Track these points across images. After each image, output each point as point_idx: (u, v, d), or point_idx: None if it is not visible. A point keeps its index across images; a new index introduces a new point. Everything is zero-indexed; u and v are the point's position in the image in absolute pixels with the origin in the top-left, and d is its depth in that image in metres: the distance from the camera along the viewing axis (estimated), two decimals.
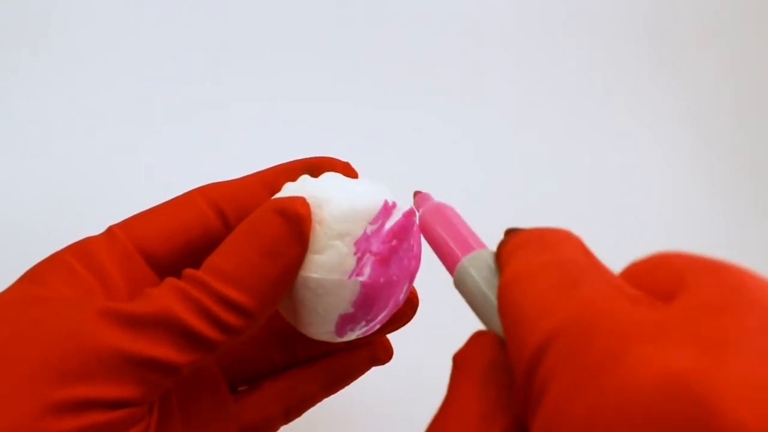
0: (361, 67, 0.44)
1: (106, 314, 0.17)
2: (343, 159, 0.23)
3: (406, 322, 0.24)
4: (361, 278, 0.20)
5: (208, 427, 0.21)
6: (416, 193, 0.23)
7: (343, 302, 0.20)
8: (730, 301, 0.11)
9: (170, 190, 0.22)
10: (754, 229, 0.45)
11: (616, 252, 0.46)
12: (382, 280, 0.20)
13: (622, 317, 0.11)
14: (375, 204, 0.20)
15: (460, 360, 0.16)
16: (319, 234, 0.20)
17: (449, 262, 0.18)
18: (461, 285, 0.17)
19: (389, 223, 0.21)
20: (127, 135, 0.39)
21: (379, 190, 0.21)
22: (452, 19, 0.47)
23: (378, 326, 0.22)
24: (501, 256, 0.16)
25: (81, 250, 0.19)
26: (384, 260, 0.20)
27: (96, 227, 0.21)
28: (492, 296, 0.16)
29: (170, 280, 0.18)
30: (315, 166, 0.22)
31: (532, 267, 0.14)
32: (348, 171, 0.22)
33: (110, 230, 0.20)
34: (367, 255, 0.20)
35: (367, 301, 0.21)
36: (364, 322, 0.21)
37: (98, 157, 0.38)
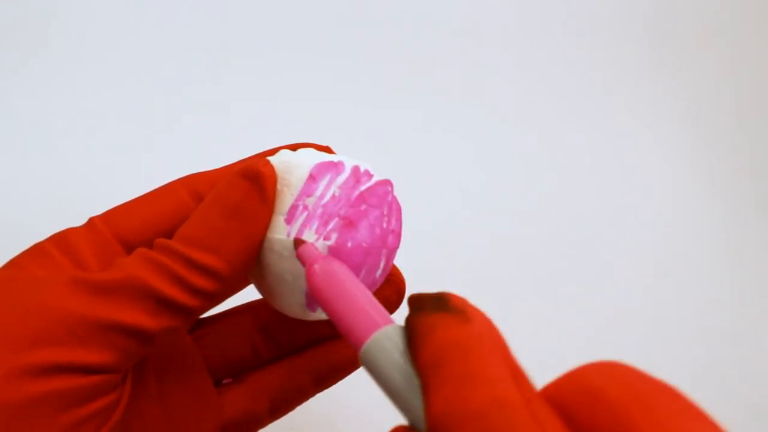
0: (361, 67, 0.44)
1: (72, 283, 0.17)
2: (325, 144, 0.23)
3: (392, 310, 0.23)
4: (328, 242, 0.20)
5: (187, 416, 0.21)
6: (297, 243, 0.20)
7: None
8: None
9: None
10: (755, 229, 0.45)
11: (616, 252, 0.46)
12: (349, 244, 0.20)
13: None
14: (345, 168, 0.20)
15: None
16: (286, 196, 0.20)
17: (351, 340, 0.16)
18: (370, 370, 0.15)
19: (360, 188, 0.20)
20: (127, 135, 0.39)
21: (352, 159, 0.21)
22: (452, 19, 0.47)
23: None
24: (420, 360, 0.14)
25: (60, 239, 0.20)
26: (351, 224, 0.20)
27: None
28: (408, 387, 0.14)
29: (140, 250, 0.19)
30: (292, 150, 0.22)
31: (466, 414, 0.12)
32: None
33: (91, 221, 0.21)
34: (336, 219, 0.20)
35: None
36: None
37: (98, 157, 0.38)
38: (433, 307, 0.15)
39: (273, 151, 0.22)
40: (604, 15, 0.49)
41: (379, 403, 0.35)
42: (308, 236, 0.19)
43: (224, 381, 0.23)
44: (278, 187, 0.20)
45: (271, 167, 0.19)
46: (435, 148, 0.43)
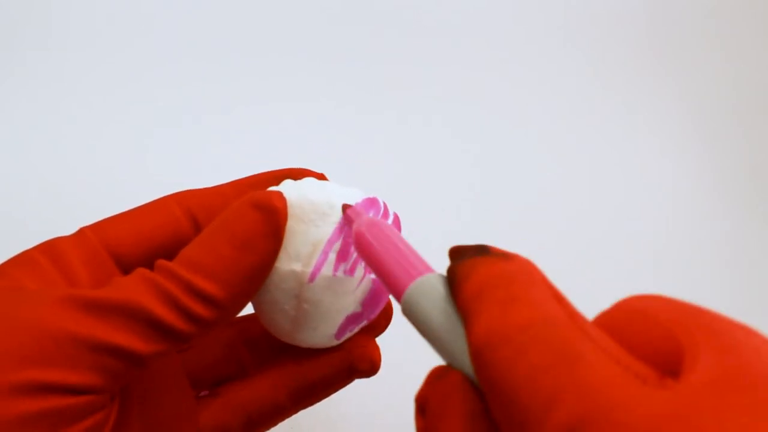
0: (363, 70, 0.44)
1: (66, 300, 0.17)
2: (321, 169, 0.23)
3: (377, 333, 0.23)
4: (372, 275, 0.20)
5: (166, 430, 0.21)
6: (345, 207, 0.20)
7: (355, 301, 0.21)
8: (740, 381, 0.11)
9: (170, 192, 0.22)
10: (756, 228, 0.45)
11: (617, 252, 0.46)
12: None
13: (640, 407, 0.11)
14: (380, 204, 0.21)
15: (434, 408, 0.14)
16: (309, 231, 0.20)
17: (394, 287, 0.16)
18: (412, 315, 0.15)
19: (389, 220, 0.21)
20: (127, 136, 0.39)
21: (366, 193, 0.21)
22: (453, 19, 0.47)
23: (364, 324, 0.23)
24: (462, 296, 0.14)
25: (49, 248, 0.19)
26: None
27: None
28: (451, 330, 0.14)
29: (140, 270, 0.18)
30: (290, 177, 0.22)
31: (511, 330, 0.12)
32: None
33: (81, 231, 0.20)
34: None
35: (374, 298, 0.21)
36: (365, 321, 0.22)
37: (98, 159, 0.38)
38: (474, 253, 0.14)
39: (265, 176, 0.22)
40: (603, 15, 0.49)
41: (379, 404, 0.35)
42: (359, 271, 0.20)
43: (201, 393, 0.23)
44: (295, 222, 0.19)
45: (285, 201, 0.19)
46: (436, 150, 0.43)
